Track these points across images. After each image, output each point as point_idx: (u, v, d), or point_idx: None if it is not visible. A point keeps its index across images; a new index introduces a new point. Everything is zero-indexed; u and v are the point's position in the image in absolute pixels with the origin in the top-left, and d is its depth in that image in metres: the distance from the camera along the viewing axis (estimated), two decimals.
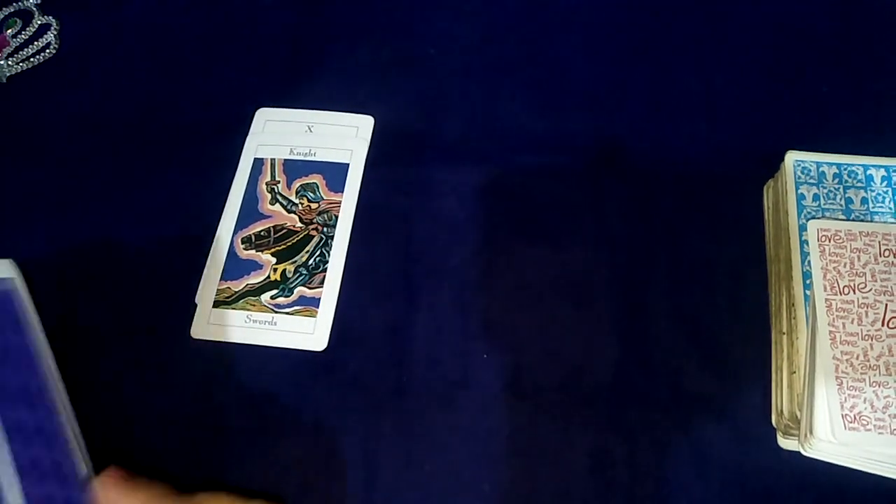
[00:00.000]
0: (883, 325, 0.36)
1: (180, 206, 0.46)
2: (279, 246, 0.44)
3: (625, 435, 0.39)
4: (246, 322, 0.42)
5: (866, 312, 0.37)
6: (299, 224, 0.45)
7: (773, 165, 0.43)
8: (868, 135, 0.45)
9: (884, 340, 0.36)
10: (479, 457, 0.39)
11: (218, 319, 0.42)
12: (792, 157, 0.41)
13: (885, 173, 0.41)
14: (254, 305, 0.43)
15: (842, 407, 0.34)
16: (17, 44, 0.51)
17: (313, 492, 0.38)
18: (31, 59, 0.51)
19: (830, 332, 0.36)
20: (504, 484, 0.38)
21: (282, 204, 0.46)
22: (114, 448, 0.38)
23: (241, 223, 0.45)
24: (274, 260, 0.44)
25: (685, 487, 0.38)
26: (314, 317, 0.42)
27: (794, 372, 0.37)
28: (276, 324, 0.42)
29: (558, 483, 0.38)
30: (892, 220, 0.39)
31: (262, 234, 0.45)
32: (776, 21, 0.51)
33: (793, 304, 0.38)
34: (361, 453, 0.39)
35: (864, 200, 0.40)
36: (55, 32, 0.52)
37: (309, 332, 0.42)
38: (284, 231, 0.45)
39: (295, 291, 0.43)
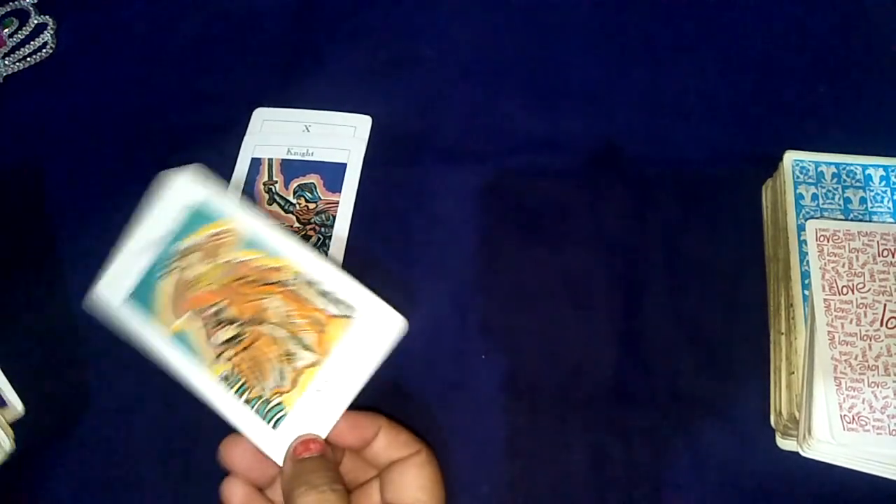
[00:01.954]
0: (881, 325, 0.36)
1: None
2: None
3: (623, 436, 0.39)
4: None
5: (865, 312, 0.36)
6: (297, 224, 0.45)
7: (771, 165, 0.43)
8: (866, 134, 0.45)
9: (882, 341, 0.36)
10: (476, 458, 0.39)
11: None
12: (790, 157, 0.41)
13: (883, 173, 0.41)
14: None
15: (840, 407, 0.34)
16: (14, 43, 0.51)
17: None
18: (28, 59, 0.51)
19: (829, 332, 0.36)
20: (502, 485, 0.38)
21: (279, 204, 0.45)
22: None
23: None
24: None
25: (683, 488, 0.38)
26: None
27: (793, 372, 0.37)
28: None
29: (556, 484, 0.38)
30: (891, 220, 0.39)
31: None
32: (773, 21, 0.51)
33: (791, 305, 0.38)
34: None
35: (862, 200, 0.40)
36: (52, 32, 0.51)
37: None
38: None
39: None
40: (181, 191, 0.38)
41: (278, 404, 0.34)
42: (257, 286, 0.36)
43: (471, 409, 0.40)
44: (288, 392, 0.34)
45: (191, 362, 0.35)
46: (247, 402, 0.34)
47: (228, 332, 0.36)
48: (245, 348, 0.35)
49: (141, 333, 0.36)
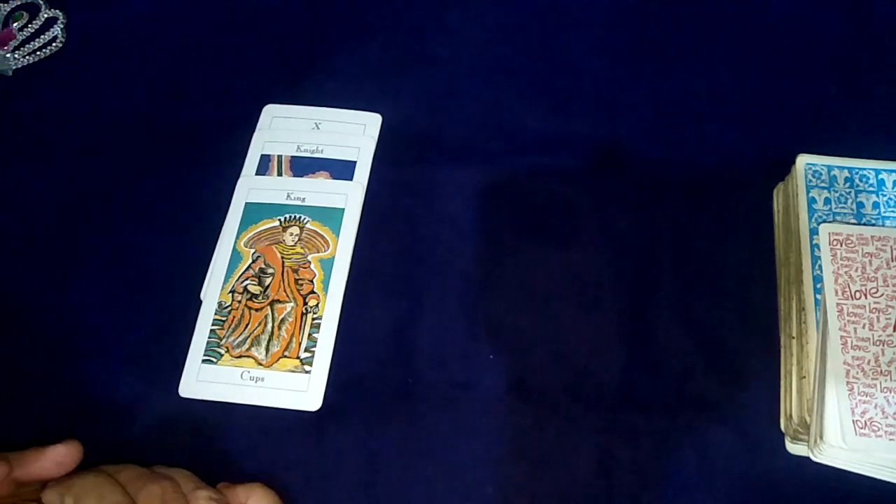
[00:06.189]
0: (894, 330, 0.36)
1: (186, 203, 0.45)
2: None
3: (630, 439, 0.38)
4: None
5: (878, 317, 0.36)
6: None
7: (782, 168, 0.42)
8: (879, 138, 0.45)
9: (895, 346, 0.35)
10: (482, 458, 0.38)
11: None
12: (803, 161, 0.41)
13: None
14: None
15: (852, 412, 0.34)
16: (24, 37, 0.51)
17: (314, 491, 0.38)
18: (38, 53, 0.51)
19: (841, 336, 0.36)
20: (507, 486, 0.38)
21: None
22: None
23: None
24: None
25: (690, 492, 0.37)
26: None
27: (804, 377, 0.36)
28: None
29: (562, 486, 0.38)
30: None
31: None
32: (785, 23, 0.50)
33: (803, 309, 0.38)
34: (364, 454, 0.38)
35: (875, 205, 0.40)
36: (62, 26, 0.51)
37: None
38: None
39: None
40: None
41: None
42: (297, 285, 0.41)
43: (477, 409, 0.39)
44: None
45: (220, 278, 0.42)
46: (211, 332, 0.40)
47: (256, 288, 0.41)
48: (257, 309, 0.41)
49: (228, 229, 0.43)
